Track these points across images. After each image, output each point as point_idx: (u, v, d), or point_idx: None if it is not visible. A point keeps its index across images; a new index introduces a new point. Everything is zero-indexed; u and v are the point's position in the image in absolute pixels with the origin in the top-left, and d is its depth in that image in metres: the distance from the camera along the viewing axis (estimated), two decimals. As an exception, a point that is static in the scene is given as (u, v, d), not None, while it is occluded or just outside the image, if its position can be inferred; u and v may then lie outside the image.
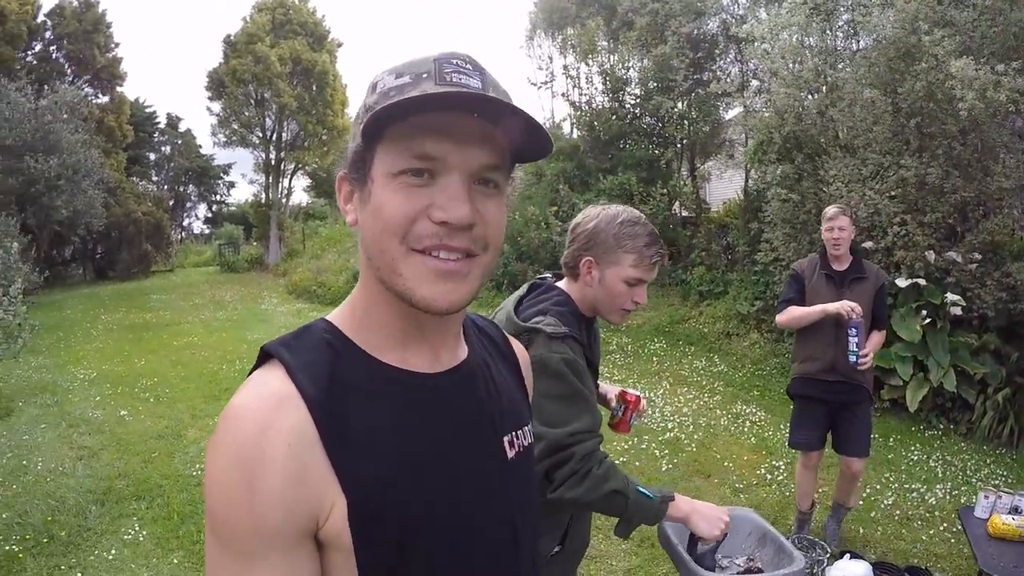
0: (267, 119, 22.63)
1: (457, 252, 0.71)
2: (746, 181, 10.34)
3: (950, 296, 5.82)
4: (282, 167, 23.66)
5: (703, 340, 9.00)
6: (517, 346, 1.02)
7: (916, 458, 5.17)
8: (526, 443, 0.89)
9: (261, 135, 22.81)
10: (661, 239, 1.65)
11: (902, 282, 6.02)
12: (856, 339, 3.16)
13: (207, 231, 36.99)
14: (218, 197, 38.50)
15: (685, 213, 11.96)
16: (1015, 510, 2.87)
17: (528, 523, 0.88)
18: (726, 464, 5.00)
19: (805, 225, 7.16)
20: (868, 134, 6.40)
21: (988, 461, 5.17)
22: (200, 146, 34.80)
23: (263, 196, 24.42)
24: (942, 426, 5.83)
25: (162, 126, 33.11)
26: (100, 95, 22.42)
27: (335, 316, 0.80)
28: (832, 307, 3.22)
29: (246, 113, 22.09)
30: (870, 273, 3.41)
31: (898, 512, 4.23)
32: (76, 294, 16.72)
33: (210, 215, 38.41)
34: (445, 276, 0.71)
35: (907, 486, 4.62)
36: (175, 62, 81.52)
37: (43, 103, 15.72)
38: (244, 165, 65.06)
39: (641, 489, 1.50)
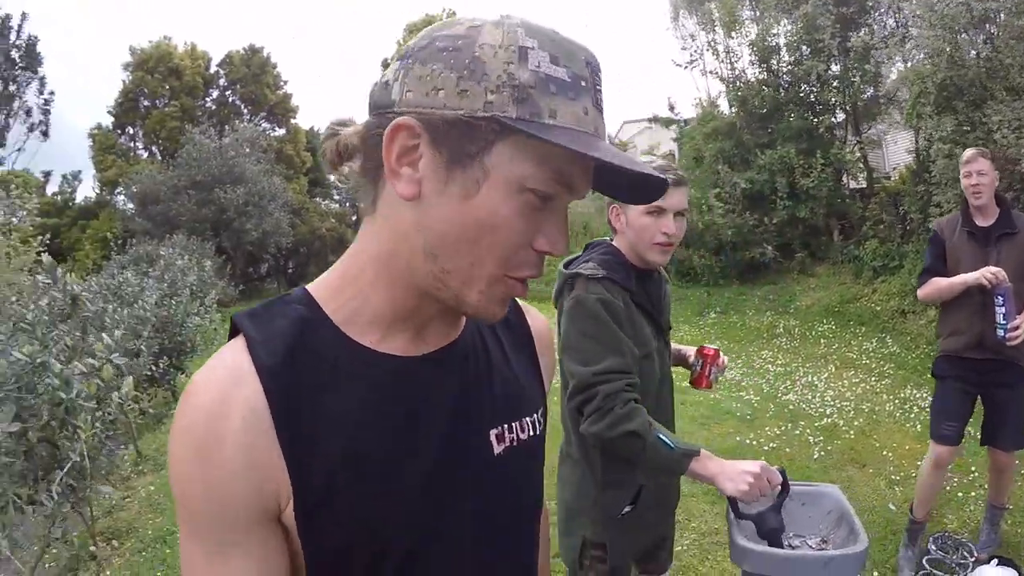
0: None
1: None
2: (916, 142, 9.26)
3: None
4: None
5: (875, 320, 8.33)
6: (533, 316, 0.92)
7: (1109, 454, 4.31)
8: (524, 436, 0.80)
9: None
10: (672, 167, 1.66)
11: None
12: (1003, 308, 2.65)
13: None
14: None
15: (854, 184, 10.96)
16: None
17: (518, 521, 0.81)
18: (884, 453, 4.54)
19: (977, 184, 6.25)
20: (1030, 69, 5.49)
21: None
22: (374, 164, 37.64)
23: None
24: None
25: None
26: (276, 128, 25.13)
27: (316, 286, 0.72)
28: (971, 277, 2.73)
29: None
30: (1022, 226, 2.86)
31: (1077, 518, 3.55)
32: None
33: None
34: (509, 302, 0.70)
35: (1094, 487, 3.87)
36: (341, 90, 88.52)
37: (226, 141, 18.11)
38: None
39: (662, 437, 1.49)
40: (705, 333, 9.11)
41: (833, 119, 10.60)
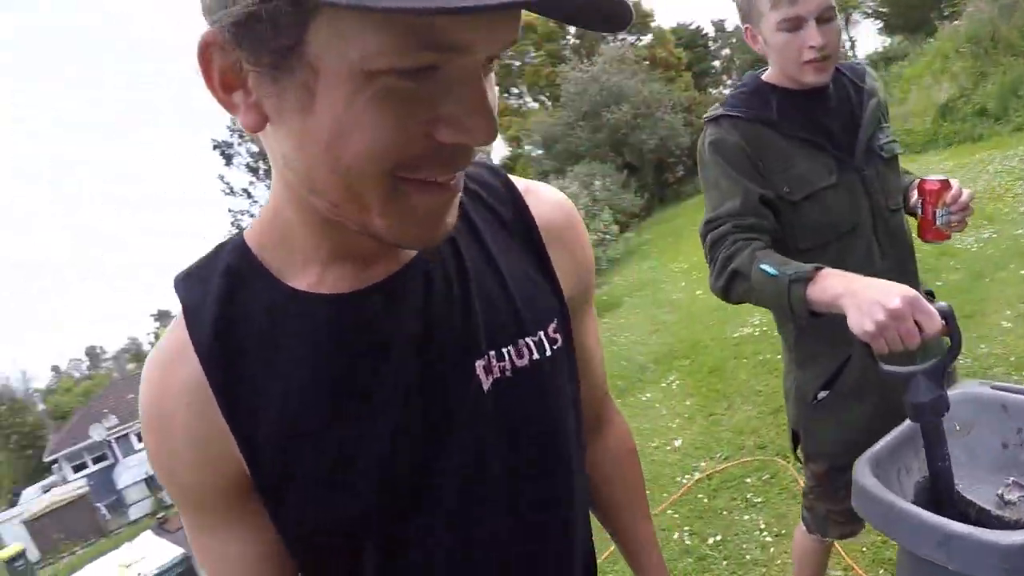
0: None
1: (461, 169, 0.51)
2: None
3: None
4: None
5: None
6: (538, 199, 0.71)
7: None
8: (523, 361, 0.64)
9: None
10: None
11: None
12: None
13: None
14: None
15: None
16: None
17: (532, 467, 0.66)
18: None
19: None
20: None
21: None
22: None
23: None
24: None
25: (712, 34, 34.92)
26: (640, 38, 25.29)
27: (252, 227, 0.62)
28: None
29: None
30: None
31: None
32: (685, 205, 18.91)
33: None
34: (444, 211, 0.52)
35: None
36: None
37: (595, 69, 19.15)
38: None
39: (764, 266, 1.19)
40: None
41: None
